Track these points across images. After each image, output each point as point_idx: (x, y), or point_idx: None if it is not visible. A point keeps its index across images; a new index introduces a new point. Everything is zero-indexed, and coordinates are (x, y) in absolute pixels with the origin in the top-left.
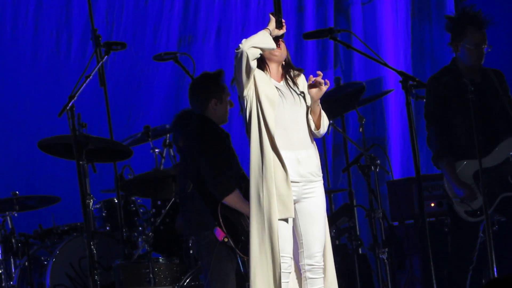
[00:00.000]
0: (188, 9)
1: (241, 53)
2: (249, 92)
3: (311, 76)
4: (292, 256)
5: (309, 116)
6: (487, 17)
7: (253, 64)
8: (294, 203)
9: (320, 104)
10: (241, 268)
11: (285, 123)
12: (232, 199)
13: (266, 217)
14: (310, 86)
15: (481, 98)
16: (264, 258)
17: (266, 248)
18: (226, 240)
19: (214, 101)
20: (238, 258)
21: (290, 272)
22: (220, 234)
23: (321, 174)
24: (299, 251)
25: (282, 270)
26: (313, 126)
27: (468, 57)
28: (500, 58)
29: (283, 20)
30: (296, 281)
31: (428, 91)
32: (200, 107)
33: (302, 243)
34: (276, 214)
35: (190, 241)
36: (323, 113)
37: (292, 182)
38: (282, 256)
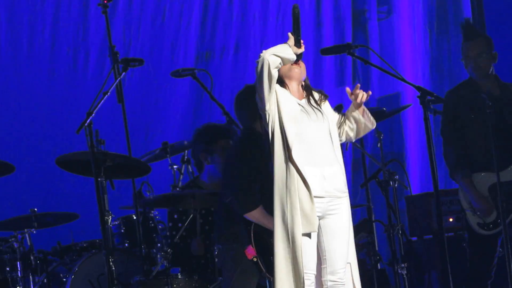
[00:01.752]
0: (206, 25)
1: (262, 61)
2: (271, 107)
3: (348, 88)
4: (315, 272)
5: (344, 127)
6: (474, 28)
7: (275, 73)
8: (319, 219)
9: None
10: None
11: (309, 139)
12: (254, 216)
13: (289, 232)
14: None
15: (499, 113)
16: (288, 273)
17: (290, 264)
18: (255, 260)
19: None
20: (266, 279)
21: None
22: (251, 252)
23: (347, 191)
24: (322, 266)
25: (305, 287)
26: (352, 135)
27: (469, 71)
28: None
29: (301, 40)
30: None
31: (446, 105)
32: (250, 119)
33: (325, 259)
34: (300, 229)
35: (216, 250)
36: (368, 112)
37: (316, 197)
38: (305, 272)
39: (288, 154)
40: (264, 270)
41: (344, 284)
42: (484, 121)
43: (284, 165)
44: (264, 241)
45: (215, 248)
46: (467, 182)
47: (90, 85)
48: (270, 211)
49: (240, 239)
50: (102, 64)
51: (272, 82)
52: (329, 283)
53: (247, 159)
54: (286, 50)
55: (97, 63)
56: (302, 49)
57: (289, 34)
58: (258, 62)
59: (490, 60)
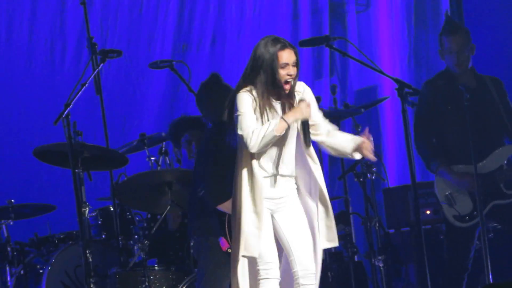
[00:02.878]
0: (183, 17)
1: (250, 148)
2: None
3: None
4: (277, 262)
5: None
6: (455, 22)
7: None
8: (272, 214)
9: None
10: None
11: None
12: (227, 207)
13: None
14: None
15: (475, 104)
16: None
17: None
18: (229, 251)
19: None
20: None
21: (278, 279)
22: (224, 244)
23: (295, 188)
24: (290, 259)
25: (268, 277)
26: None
27: (450, 64)
28: (495, 61)
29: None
30: None
31: (422, 95)
32: (219, 111)
33: (290, 250)
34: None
35: (192, 242)
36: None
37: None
38: (267, 262)
39: (244, 155)
40: None
41: (314, 274)
42: (460, 113)
43: (240, 164)
44: None
45: (191, 240)
46: (445, 168)
47: (67, 76)
48: None
49: (214, 231)
50: (80, 55)
51: None
52: (300, 273)
53: (220, 152)
54: (275, 139)
55: (75, 54)
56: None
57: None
58: (245, 143)
59: (469, 53)
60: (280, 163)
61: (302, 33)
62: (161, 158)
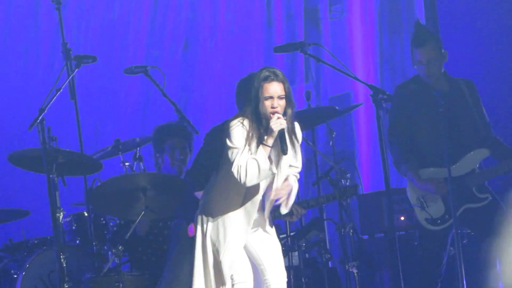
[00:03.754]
0: (155, 22)
1: (243, 182)
2: None
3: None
4: (249, 281)
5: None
6: (425, 32)
7: None
8: None
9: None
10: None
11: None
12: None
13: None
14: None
15: (449, 108)
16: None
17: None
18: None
19: None
20: None
21: None
22: (192, 231)
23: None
24: (260, 268)
25: None
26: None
27: (422, 74)
28: (470, 65)
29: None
30: None
31: (394, 99)
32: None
33: (260, 259)
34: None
35: (172, 224)
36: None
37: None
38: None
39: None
40: None
41: (286, 280)
42: (433, 116)
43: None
44: None
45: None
46: (412, 173)
47: (41, 82)
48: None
49: (187, 217)
50: (54, 60)
51: None
52: (271, 281)
53: (212, 140)
54: (267, 174)
55: (49, 59)
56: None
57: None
58: (236, 176)
59: (441, 61)
60: (255, 201)
61: (276, 39)
62: (135, 163)
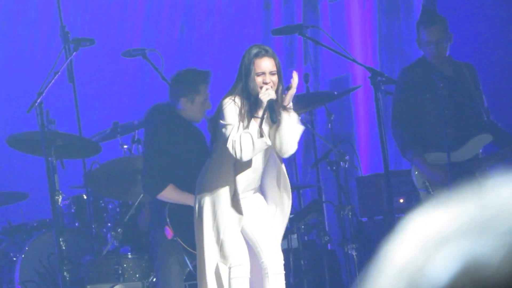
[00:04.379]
0: (152, 4)
1: (238, 157)
2: None
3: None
4: (247, 264)
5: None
6: (433, 12)
7: None
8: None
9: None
10: (189, 265)
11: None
12: (166, 195)
13: (217, 231)
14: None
15: (452, 92)
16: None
17: (215, 262)
18: (175, 239)
19: (184, 100)
20: (185, 258)
21: (249, 277)
22: (169, 233)
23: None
24: (256, 250)
25: (240, 275)
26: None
27: (428, 55)
28: (470, 49)
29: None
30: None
31: (399, 82)
32: (172, 100)
33: (256, 241)
34: (228, 226)
35: (150, 235)
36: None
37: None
38: (233, 266)
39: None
40: (186, 247)
41: (282, 262)
42: (437, 100)
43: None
44: (182, 218)
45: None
46: (419, 158)
47: (39, 65)
48: (187, 190)
49: (160, 222)
50: (52, 43)
51: None
52: (268, 263)
53: (158, 139)
54: (263, 147)
55: (47, 42)
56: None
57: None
58: (231, 152)
59: (448, 43)
60: (251, 181)
61: (274, 21)
62: (133, 146)
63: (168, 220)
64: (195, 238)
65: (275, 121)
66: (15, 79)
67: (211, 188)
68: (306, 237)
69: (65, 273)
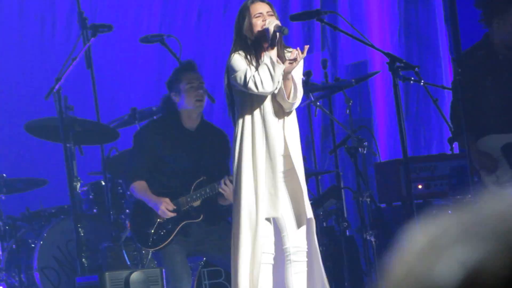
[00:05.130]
0: None
1: (264, 93)
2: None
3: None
4: (274, 253)
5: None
6: None
7: None
8: None
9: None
10: (127, 261)
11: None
12: (136, 187)
13: (251, 216)
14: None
15: None
16: (248, 259)
17: (250, 249)
18: (128, 236)
19: (173, 94)
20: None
21: (273, 254)
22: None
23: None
24: (282, 234)
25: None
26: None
27: (501, 33)
28: None
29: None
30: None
31: (462, 67)
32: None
33: (284, 226)
34: (264, 213)
35: None
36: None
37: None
38: (264, 253)
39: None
40: (137, 242)
41: (306, 251)
42: (500, 83)
43: (247, 142)
44: (143, 213)
45: None
46: (470, 144)
47: (58, 51)
48: (165, 189)
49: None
50: (70, 29)
51: None
52: (292, 250)
53: (147, 134)
54: (281, 72)
55: (65, 28)
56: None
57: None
58: (253, 89)
59: None
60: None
61: (292, 7)
62: None
63: (131, 213)
64: (145, 235)
65: (286, 31)
66: (33, 65)
67: (247, 161)
68: (324, 223)
69: (83, 260)
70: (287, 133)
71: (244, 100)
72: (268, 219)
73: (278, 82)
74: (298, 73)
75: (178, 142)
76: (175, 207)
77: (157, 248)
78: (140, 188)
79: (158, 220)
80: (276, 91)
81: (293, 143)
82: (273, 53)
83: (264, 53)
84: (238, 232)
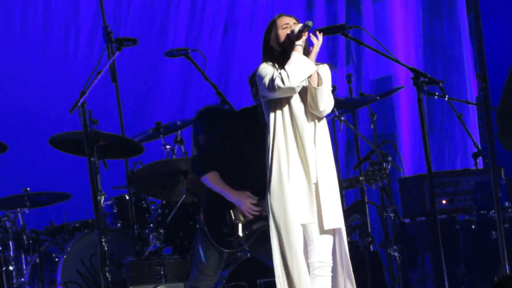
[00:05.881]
0: (195, 5)
1: (290, 89)
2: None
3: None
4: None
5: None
6: None
7: None
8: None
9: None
10: (202, 257)
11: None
12: (209, 179)
13: (284, 222)
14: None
15: None
16: (286, 267)
17: (286, 257)
18: (201, 227)
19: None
20: (200, 248)
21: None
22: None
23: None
24: (309, 248)
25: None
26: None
27: None
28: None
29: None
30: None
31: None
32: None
33: (312, 240)
34: (297, 219)
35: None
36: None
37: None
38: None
39: (284, 136)
40: (211, 239)
41: (331, 266)
42: None
43: (277, 149)
44: (218, 211)
45: None
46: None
47: (81, 64)
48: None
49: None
50: (93, 43)
51: None
52: (317, 264)
53: (216, 131)
54: (308, 67)
55: (88, 42)
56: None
57: (296, 35)
58: (280, 86)
59: None
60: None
61: (317, 22)
62: (176, 146)
63: (204, 208)
64: (221, 234)
65: (311, 24)
66: (57, 79)
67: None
68: (349, 238)
69: (107, 274)
70: (318, 144)
71: (275, 109)
72: (299, 227)
73: (306, 76)
74: (326, 84)
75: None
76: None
77: (234, 250)
78: (214, 178)
79: (237, 219)
80: (310, 100)
81: (325, 155)
82: (299, 48)
83: (292, 53)
84: (275, 236)
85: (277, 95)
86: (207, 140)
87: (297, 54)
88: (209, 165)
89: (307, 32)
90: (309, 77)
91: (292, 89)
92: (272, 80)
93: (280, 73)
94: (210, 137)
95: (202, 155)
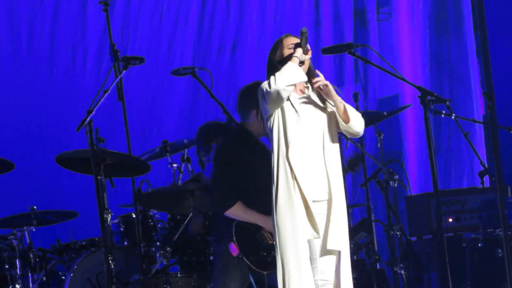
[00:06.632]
0: (203, 23)
1: (276, 92)
2: (274, 113)
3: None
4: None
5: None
6: None
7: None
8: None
9: (341, 101)
10: (253, 284)
11: (302, 139)
12: (233, 212)
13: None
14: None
15: None
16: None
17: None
18: (240, 257)
19: (255, 112)
20: (250, 276)
21: None
22: (234, 250)
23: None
24: (312, 266)
25: None
26: (341, 122)
27: None
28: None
29: (308, 48)
30: None
31: None
32: (242, 115)
33: (315, 258)
34: (303, 235)
35: (212, 248)
36: (351, 108)
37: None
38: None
39: (286, 153)
40: (252, 266)
41: (333, 284)
42: None
43: (283, 166)
44: (249, 237)
45: (212, 246)
46: None
47: (88, 83)
48: (256, 207)
49: (225, 237)
50: (101, 62)
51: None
52: (320, 282)
53: (227, 156)
54: (298, 74)
55: (96, 60)
56: (309, 55)
57: (294, 47)
58: (268, 90)
59: None
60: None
61: (324, 40)
62: (183, 165)
63: (234, 237)
64: (260, 258)
65: (304, 30)
66: (64, 97)
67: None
68: (355, 256)
69: None
70: (328, 162)
71: (278, 122)
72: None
73: (293, 82)
74: (350, 108)
75: (258, 156)
76: None
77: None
78: (239, 211)
79: (270, 239)
80: (344, 131)
81: (334, 172)
82: (295, 59)
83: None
84: (281, 252)
85: (268, 102)
86: (218, 170)
87: (290, 63)
88: (229, 198)
89: (306, 39)
90: (337, 109)
91: (278, 93)
92: (262, 88)
93: (269, 79)
94: (220, 165)
95: (218, 190)
